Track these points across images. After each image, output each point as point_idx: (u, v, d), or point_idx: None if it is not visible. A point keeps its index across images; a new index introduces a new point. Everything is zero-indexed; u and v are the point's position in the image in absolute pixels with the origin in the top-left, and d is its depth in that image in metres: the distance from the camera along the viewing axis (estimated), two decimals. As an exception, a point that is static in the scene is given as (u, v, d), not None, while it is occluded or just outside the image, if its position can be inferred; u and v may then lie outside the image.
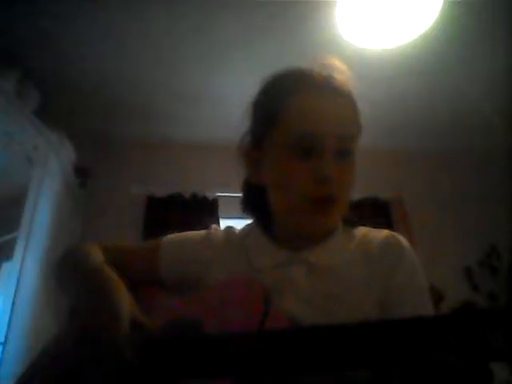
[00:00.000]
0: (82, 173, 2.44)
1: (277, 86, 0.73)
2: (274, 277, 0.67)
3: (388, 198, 2.73)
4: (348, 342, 0.44)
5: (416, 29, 1.96)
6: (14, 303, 1.73)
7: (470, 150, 2.84)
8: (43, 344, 0.65)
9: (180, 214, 2.53)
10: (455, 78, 2.30)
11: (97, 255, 0.70)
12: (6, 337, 1.67)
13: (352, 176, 0.70)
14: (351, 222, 0.76)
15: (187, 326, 0.59)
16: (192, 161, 2.70)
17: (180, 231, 0.80)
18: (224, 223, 0.83)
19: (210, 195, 2.62)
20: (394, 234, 0.73)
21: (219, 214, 2.57)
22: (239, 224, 0.81)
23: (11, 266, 1.82)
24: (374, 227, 0.76)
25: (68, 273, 0.71)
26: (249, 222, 0.81)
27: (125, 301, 0.57)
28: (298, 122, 0.67)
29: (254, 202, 0.78)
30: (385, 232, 0.73)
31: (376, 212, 2.64)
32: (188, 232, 0.80)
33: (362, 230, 0.75)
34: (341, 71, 0.73)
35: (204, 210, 2.56)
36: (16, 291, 1.75)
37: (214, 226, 0.80)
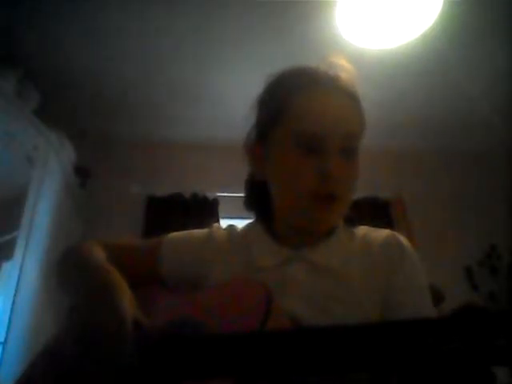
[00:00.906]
0: (81, 173, 2.43)
1: (283, 84, 0.73)
2: (276, 276, 0.66)
3: (388, 197, 2.73)
4: (350, 343, 0.44)
5: (416, 29, 1.96)
6: (13, 303, 1.72)
7: (470, 149, 2.84)
8: (43, 344, 0.65)
9: (180, 214, 2.53)
10: (455, 77, 2.30)
11: (98, 253, 0.69)
12: (6, 337, 1.67)
13: (355, 175, 0.70)
14: (351, 222, 0.76)
15: (188, 325, 0.59)
16: (192, 161, 2.70)
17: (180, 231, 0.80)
18: (224, 223, 0.83)
19: (210, 195, 2.62)
20: (395, 233, 0.73)
21: (219, 214, 2.58)
22: (239, 224, 0.81)
23: (11, 266, 1.82)
24: (374, 227, 0.76)
25: (69, 271, 0.71)
26: (249, 222, 0.81)
27: (127, 300, 0.57)
28: (303, 120, 0.67)
29: (256, 198, 0.78)
30: (385, 232, 0.73)
31: (376, 212, 2.63)
32: (190, 230, 0.79)
33: (362, 230, 0.75)
34: (347, 70, 0.73)
35: (204, 210, 2.56)
36: (16, 291, 1.74)
37: (215, 224, 0.80)
